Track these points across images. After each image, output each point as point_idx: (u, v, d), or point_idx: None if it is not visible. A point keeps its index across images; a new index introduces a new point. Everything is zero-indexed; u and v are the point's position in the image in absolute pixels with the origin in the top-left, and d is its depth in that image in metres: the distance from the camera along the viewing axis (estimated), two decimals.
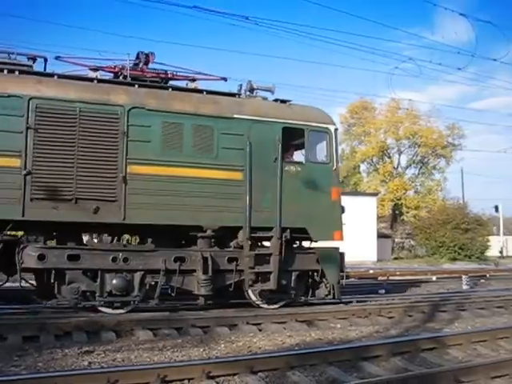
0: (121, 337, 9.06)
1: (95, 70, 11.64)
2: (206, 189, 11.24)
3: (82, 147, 10.38)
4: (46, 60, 11.35)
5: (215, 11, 12.82)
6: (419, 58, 23.87)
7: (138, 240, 11.98)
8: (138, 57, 12.20)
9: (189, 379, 6.24)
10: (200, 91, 12.18)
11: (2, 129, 9.90)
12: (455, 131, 60.35)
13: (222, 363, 6.74)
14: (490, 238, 49.75)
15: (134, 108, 10.85)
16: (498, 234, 62.28)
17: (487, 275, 24.85)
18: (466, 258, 42.61)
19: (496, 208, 59.28)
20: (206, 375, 6.27)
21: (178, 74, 12.67)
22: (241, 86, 12.91)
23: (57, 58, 11.67)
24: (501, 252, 56.29)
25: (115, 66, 12.16)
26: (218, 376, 6.40)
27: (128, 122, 10.75)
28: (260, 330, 10.01)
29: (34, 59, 11.17)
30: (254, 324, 10.27)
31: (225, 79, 13.09)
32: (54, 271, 10.23)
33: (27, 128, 10.00)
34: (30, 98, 10.09)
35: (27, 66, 10.94)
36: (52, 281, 10.27)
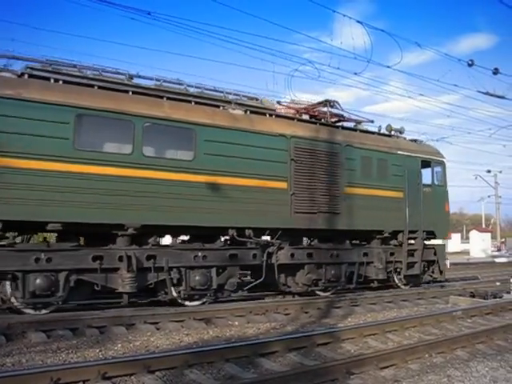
0: (12, 340, 8.66)
1: (305, 113, 15.54)
2: (385, 204, 15.68)
3: (320, 175, 14.32)
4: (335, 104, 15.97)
5: (115, 4, 12.46)
6: (318, 61, 24.78)
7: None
8: (322, 102, 15.98)
9: (84, 381, 6.08)
10: (372, 132, 16.81)
11: (277, 160, 13.45)
12: None
13: (118, 363, 6.61)
14: None
15: (347, 146, 15.04)
16: None
17: None
18: None
19: None
20: (102, 376, 6.15)
21: (351, 117, 16.67)
22: (380, 127, 17.31)
23: (278, 102, 15.64)
24: None
25: (316, 110, 15.83)
26: (115, 376, 6.30)
27: (344, 155, 14.86)
28: (158, 329, 9.92)
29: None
30: (151, 323, 10.17)
31: (372, 121, 17.29)
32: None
33: (290, 160, 13.66)
34: (291, 137, 13.75)
35: (272, 109, 14.67)
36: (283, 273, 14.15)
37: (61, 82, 11.20)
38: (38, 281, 10.25)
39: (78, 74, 11.78)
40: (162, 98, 12.36)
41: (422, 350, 8.03)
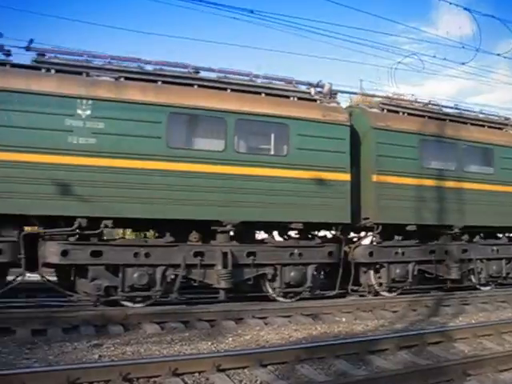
0: (128, 330, 9.07)
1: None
2: None
3: None
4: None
5: (217, 4, 12.70)
6: (419, 52, 24.23)
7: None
8: None
9: (199, 372, 6.30)
10: None
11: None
12: None
13: (231, 356, 6.77)
14: None
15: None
16: None
17: None
18: None
19: None
20: (217, 368, 6.32)
21: None
22: None
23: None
24: None
25: None
26: (229, 369, 6.45)
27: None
28: (266, 324, 10.05)
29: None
30: (260, 318, 10.32)
31: None
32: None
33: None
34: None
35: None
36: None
37: (406, 114, 14.10)
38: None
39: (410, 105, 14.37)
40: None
41: None
